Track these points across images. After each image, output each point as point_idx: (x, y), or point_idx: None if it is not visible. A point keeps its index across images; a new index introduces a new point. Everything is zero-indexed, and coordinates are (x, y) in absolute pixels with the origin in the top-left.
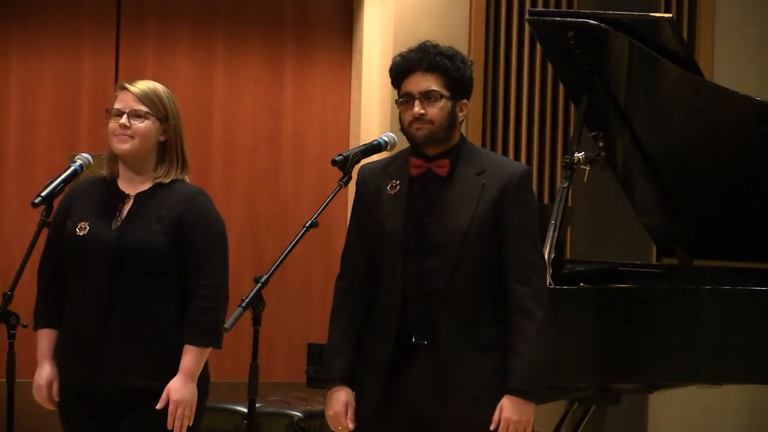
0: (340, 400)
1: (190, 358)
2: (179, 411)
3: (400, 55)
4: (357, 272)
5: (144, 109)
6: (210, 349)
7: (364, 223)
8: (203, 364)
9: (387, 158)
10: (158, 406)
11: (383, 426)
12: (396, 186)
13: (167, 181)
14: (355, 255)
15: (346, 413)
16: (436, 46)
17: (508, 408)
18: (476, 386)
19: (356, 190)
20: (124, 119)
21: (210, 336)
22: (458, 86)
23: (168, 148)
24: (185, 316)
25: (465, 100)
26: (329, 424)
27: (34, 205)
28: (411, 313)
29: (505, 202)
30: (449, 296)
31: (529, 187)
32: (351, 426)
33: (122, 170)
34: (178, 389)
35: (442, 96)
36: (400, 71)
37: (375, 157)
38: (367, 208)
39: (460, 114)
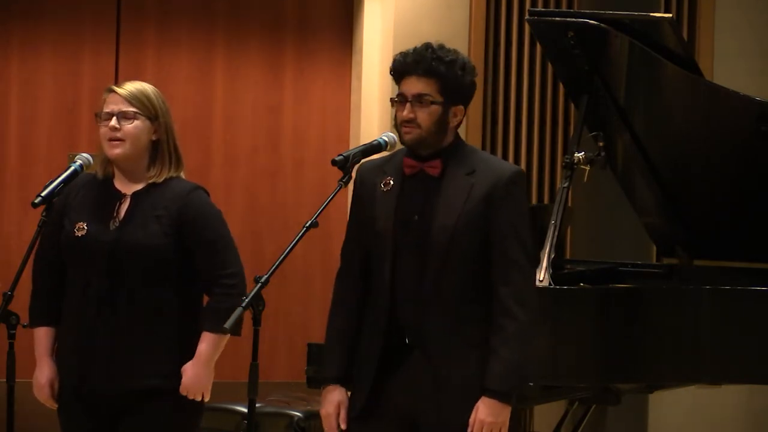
0: (333, 400)
1: (206, 344)
2: (189, 397)
3: (401, 54)
4: (354, 270)
5: (132, 109)
6: (227, 336)
7: (360, 221)
8: (220, 351)
9: (385, 156)
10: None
11: (371, 426)
12: (389, 183)
13: (160, 180)
14: (352, 252)
15: (338, 414)
16: (435, 51)
17: (483, 409)
18: (466, 386)
19: (354, 186)
20: (113, 122)
21: (224, 322)
22: (454, 92)
23: (160, 147)
24: (205, 307)
25: (461, 106)
26: (323, 424)
27: (34, 205)
28: (400, 312)
29: (493, 201)
30: (437, 295)
31: (520, 188)
32: (343, 427)
33: (117, 171)
34: (189, 376)
35: (433, 102)
36: (398, 71)
37: (375, 157)
38: (363, 205)
39: (453, 119)
